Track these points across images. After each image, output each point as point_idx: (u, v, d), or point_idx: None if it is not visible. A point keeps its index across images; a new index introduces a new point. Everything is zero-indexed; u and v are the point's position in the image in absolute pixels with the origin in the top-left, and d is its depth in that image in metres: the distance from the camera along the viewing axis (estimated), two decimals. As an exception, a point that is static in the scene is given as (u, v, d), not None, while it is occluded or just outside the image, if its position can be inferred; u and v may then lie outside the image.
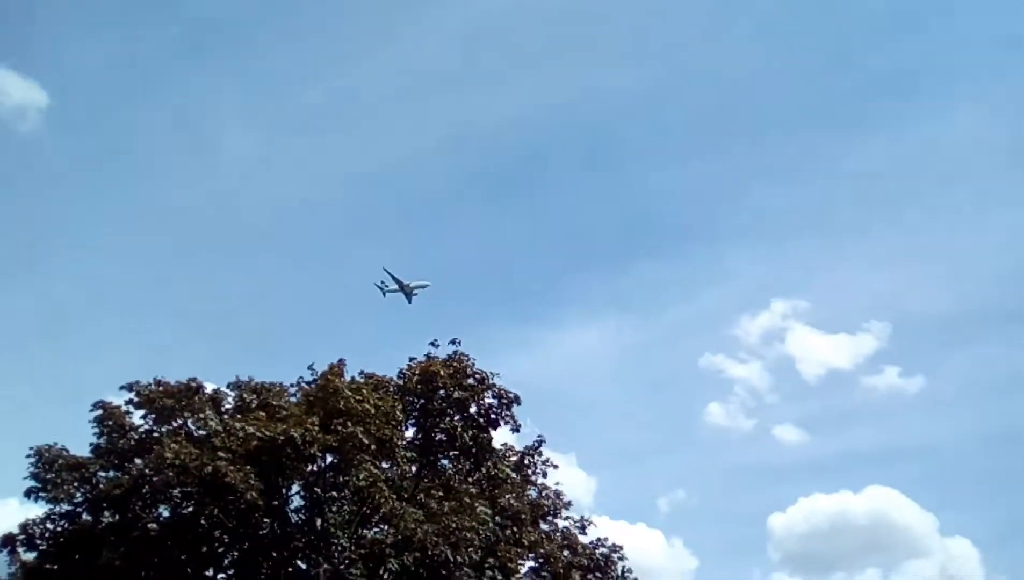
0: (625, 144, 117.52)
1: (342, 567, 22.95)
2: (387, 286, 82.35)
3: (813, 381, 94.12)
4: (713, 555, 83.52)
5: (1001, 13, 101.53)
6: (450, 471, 25.87)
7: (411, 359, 26.79)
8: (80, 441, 25.26)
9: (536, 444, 27.80)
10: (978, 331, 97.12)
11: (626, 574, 26.82)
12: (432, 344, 26.91)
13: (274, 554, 23.42)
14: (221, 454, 22.08)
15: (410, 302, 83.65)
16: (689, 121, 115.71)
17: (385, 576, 23.43)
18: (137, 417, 25.28)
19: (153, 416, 25.00)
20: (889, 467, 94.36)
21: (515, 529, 24.51)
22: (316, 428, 22.35)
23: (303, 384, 25.75)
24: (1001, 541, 77.48)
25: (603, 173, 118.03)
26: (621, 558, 27.22)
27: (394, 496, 23.16)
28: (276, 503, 23.69)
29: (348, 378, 24.89)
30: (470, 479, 25.68)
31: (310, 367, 25.82)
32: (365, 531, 24.14)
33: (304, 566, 23.54)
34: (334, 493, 23.86)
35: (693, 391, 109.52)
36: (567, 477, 59.15)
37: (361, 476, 22.67)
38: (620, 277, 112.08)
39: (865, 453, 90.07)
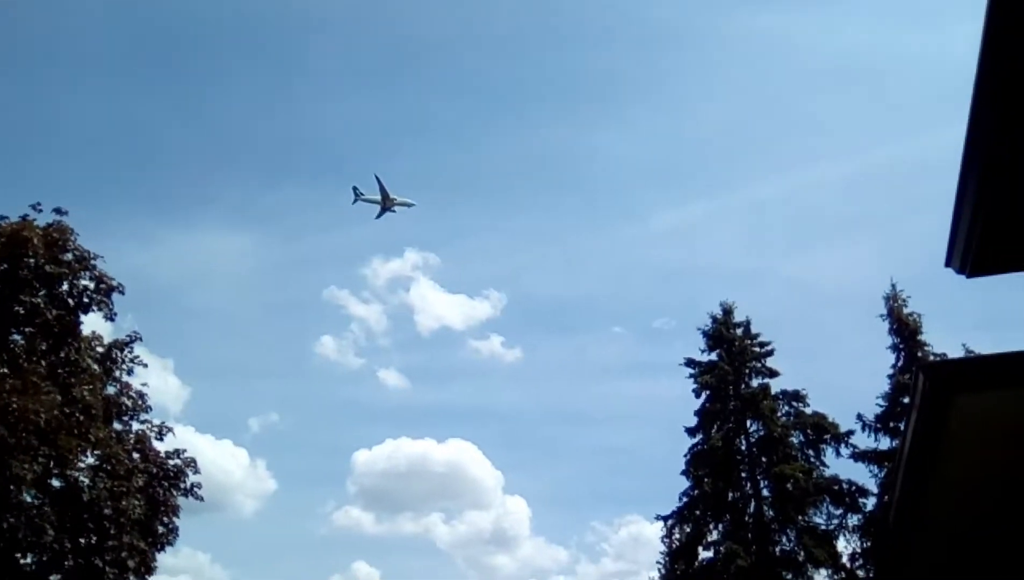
0: (309, 58, 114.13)
1: None
2: (363, 194, 73.95)
3: (425, 334, 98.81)
4: (293, 481, 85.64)
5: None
6: (21, 348, 23.33)
7: (3, 218, 23.88)
8: None
9: (129, 339, 25.88)
10: (576, 321, 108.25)
11: (195, 488, 25.88)
12: (34, 207, 24.22)
13: None
14: None
15: (379, 216, 75.27)
16: (376, 55, 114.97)
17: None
18: None
19: None
20: (474, 425, 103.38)
21: (83, 420, 22.69)
22: None
23: None
24: (548, 505, 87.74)
25: (280, 80, 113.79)
26: (195, 472, 26.26)
27: (-56, 363, 20.52)
28: None
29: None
30: (44, 361, 23.40)
31: None
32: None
33: None
34: None
35: (310, 320, 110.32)
36: (158, 382, 56.95)
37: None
38: (270, 193, 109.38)
39: (457, 409, 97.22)
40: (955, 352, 31.12)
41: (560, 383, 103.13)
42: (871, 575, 33.55)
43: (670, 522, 36.99)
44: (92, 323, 25.41)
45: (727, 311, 39.56)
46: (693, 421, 38.02)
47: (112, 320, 25.54)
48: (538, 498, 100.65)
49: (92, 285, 24.65)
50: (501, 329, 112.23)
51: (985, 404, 6.37)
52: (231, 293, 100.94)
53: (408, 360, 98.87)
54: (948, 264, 5.28)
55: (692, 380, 38.39)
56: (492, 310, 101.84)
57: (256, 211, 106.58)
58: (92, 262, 24.43)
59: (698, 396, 38.25)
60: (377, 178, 74.26)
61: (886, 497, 32.25)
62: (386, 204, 74.80)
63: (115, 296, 25.23)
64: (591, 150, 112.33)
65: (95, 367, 24.77)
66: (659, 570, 39.80)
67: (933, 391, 6.20)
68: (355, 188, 74.77)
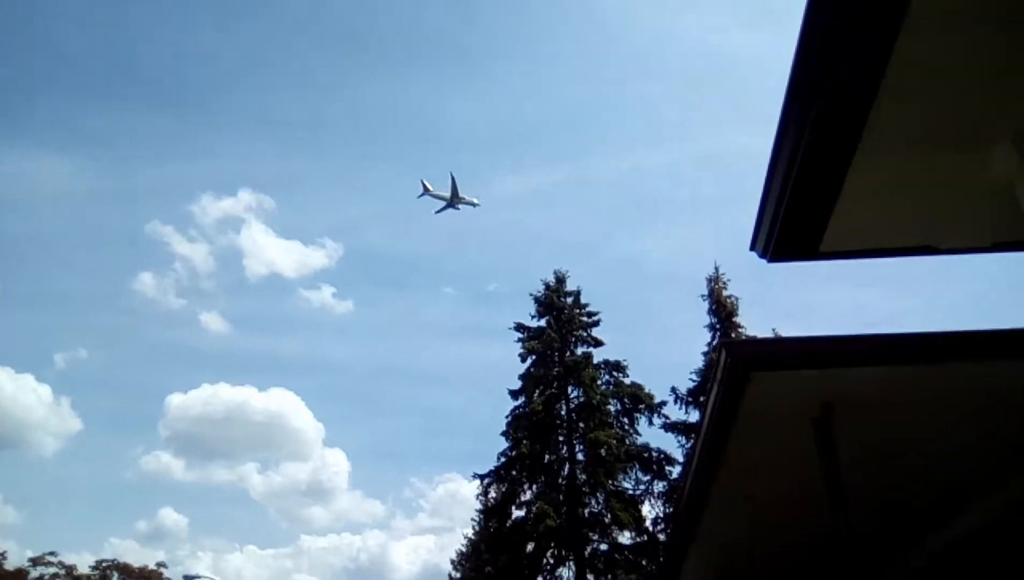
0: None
1: None
2: (431, 190, 71.15)
3: (253, 279, 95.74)
4: (101, 422, 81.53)
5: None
6: None
7: None
8: None
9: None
10: (411, 279, 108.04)
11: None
12: None
13: None
14: None
15: (439, 212, 72.27)
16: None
17: None
18: None
19: None
20: (299, 375, 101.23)
21: None
22: None
23: None
24: (368, 460, 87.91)
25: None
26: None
27: None
28: None
29: None
30: None
31: None
32: None
33: None
34: None
35: (130, 255, 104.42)
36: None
37: None
38: (97, 116, 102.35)
39: (282, 358, 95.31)
40: (766, 335, 32.98)
41: (390, 339, 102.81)
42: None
43: (486, 481, 37.76)
44: None
45: (560, 279, 40.50)
46: (518, 384, 38.81)
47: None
48: (359, 452, 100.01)
49: None
50: (334, 280, 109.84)
51: (779, 383, 6.75)
52: (44, 219, 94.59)
53: (233, 305, 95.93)
54: (752, 248, 5.54)
55: (520, 345, 39.14)
56: (327, 260, 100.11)
57: (80, 134, 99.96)
58: None
59: (524, 360, 39.08)
60: (452, 177, 72.55)
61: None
62: (452, 201, 73.31)
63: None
64: (439, 108, 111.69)
65: None
66: (473, 527, 40.62)
67: (733, 368, 6.50)
68: (423, 181, 72.60)
